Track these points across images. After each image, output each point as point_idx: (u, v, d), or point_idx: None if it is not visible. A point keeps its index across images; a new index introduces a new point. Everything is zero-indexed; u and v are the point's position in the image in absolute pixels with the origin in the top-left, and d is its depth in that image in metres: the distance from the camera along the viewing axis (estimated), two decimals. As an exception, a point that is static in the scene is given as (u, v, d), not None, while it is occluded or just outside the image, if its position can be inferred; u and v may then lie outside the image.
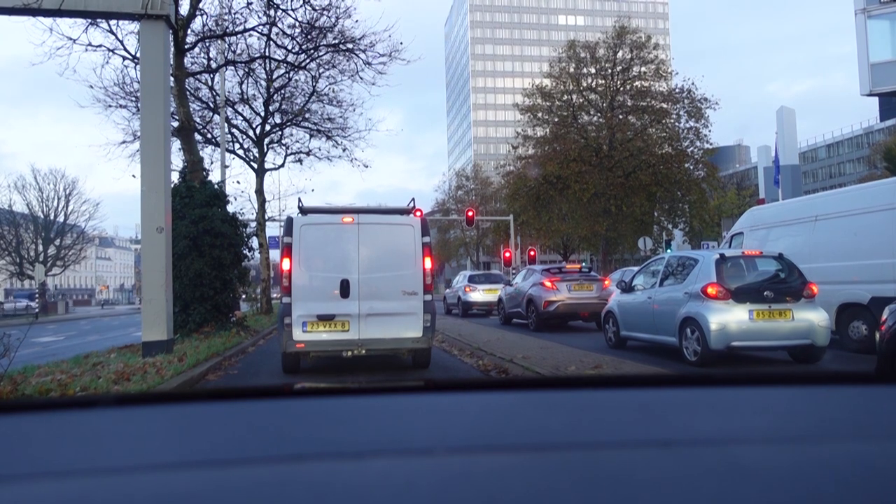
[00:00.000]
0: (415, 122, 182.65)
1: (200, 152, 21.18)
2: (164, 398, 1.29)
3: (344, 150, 22.10)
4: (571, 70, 38.99)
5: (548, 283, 14.13)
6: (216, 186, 13.78)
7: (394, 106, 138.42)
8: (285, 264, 7.87)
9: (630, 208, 36.66)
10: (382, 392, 1.17)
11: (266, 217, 22.92)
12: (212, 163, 21.41)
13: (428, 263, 8.05)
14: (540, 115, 39.81)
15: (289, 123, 21.92)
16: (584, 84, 39.33)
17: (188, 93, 16.00)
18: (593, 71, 39.46)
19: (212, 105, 20.23)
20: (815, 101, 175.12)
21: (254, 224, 21.39)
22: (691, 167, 38.13)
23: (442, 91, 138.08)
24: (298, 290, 7.82)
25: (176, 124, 13.19)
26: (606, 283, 14.68)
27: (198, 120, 19.60)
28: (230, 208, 14.50)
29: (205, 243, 12.77)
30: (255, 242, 16.70)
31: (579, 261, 41.22)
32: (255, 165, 22.12)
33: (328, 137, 21.66)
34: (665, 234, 40.98)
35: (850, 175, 79.07)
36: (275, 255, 28.62)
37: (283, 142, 22.99)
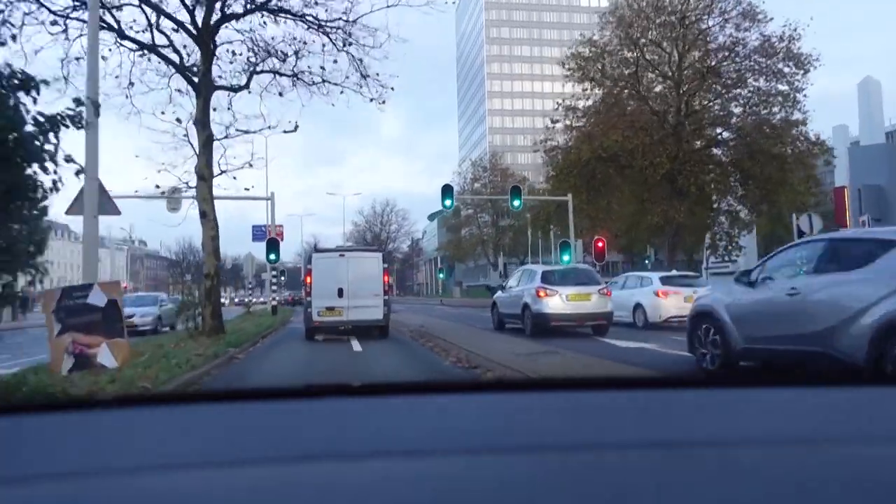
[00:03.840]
0: (416, 123, 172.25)
1: (109, 51, 12.33)
2: (164, 399, 1.31)
3: (351, 62, 13.19)
4: (628, 22, 30.66)
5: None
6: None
7: (396, 107, 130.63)
8: (308, 279, 14.47)
9: (710, 191, 28.56)
10: (383, 393, 1.15)
11: (217, 170, 13.79)
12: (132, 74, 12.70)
13: (385, 279, 14.80)
14: (592, 75, 31.16)
15: (255, 8, 12.82)
16: (645, 39, 30.85)
17: None
18: (657, 21, 30.91)
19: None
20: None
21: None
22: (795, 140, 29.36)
23: (446, 89, 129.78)
24: (314, 293, 14.14)
25: None
26: None
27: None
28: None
29: None
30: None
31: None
32: (197, 79, 12.77)
33: (320, 30, 12.53)
34: (739, 226, 31.85)
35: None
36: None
37: (247, 43, 13.60)
